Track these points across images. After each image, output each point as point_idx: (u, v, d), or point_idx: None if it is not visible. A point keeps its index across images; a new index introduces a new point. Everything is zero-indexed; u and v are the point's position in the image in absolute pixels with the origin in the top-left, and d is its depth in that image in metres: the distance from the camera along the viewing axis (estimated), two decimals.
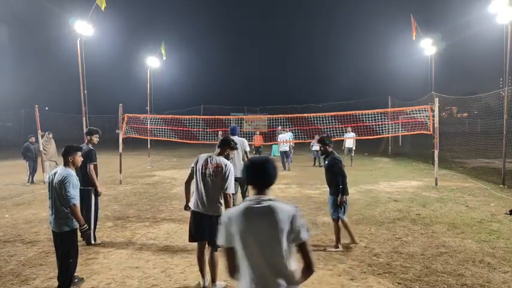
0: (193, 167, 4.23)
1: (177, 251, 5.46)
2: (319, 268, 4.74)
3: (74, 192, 3.94)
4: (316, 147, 16.87)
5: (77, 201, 3.94)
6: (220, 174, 4.06)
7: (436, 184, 10.68)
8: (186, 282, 4.37)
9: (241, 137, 7.51)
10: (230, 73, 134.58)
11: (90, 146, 5.97)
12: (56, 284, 4.05)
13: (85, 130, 6.30)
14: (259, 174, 2.19)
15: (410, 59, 24.81)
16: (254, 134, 18.51)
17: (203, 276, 4.25)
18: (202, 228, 4.09)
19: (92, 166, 5.73)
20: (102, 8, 13.63)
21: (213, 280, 4.16)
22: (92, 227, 5.75)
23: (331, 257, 5.14)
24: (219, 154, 4.24)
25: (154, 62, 19.38)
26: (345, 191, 5.38)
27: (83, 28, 13.29)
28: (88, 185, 5.70)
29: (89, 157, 5.68)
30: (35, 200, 9.33)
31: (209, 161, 4.15)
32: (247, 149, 7.10)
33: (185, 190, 4.36)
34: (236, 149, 4.49)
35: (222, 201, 4.12)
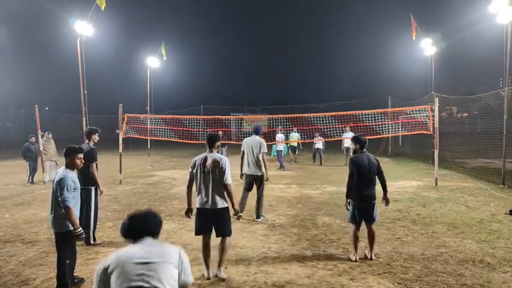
0: (191, 172, 4.52)
1: None
2: (319, 268, 4.75)
3: (69, 194, 3.92)
4: (318, 145, 16.91)
5: (71, 203, 3.90)
6: (218, 168, 4.42)
7: (436, 184, 10.68)
8: None
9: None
10: (230, 73, 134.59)
11: (91, 145, 6.03)
12: (56, 283, 4.06)
13: (85, 130, 6.34)
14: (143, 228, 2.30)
15: (411, 59, 24.80)
16: None
17: (208, 267, 4.48)
18: (209, 223, 4.45)
19: (94, 165, 5.77)
20: (102, 8, 13.62)
21: (220, 265, 4.42)
22: (92, 227, 5.76)
23: (331, 257, 5.14)
24: (212, 151, 4.58)
25: (154, 62, 19.36)
26: (347, 194, 5.11)
27: (83, 28, 13.28)
28: (88, 185, 5.71)
29: (92, 156, 5.74)
30: (35, 200, 9.33)
31: (206, 159, 4.48)
32: (265, 150, 7.32)
33: (187, 194, 4.60)
34: (219, 140, 4.80)
35: (225, 193, 4.46)
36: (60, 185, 3.91)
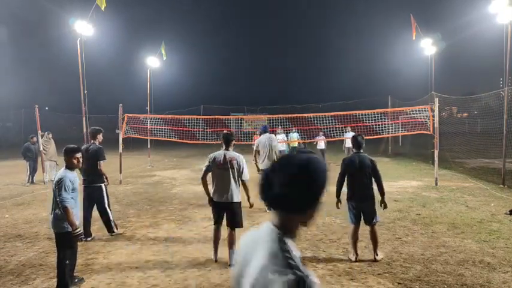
0: (209, 165, 4.90)
1: (177, 251, 5.45)
2: (319, 268, 4.75)
3: (67, 195, 3.92)
4: (320, 145, 16.88)
5: (68, 204, 3.91)
6: (236, 165, 4.89)
7: (436, 184, 10.68)
8: (187, 283, 4.36)
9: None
10: (230, 73, 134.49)
11: (98, 144, 6.35)
12: (56, 283, 4.06)
13: (90, 130, 6.64)
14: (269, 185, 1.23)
15: (411, 59, 24.81)
16: (254, 134, 18.55)
17: (216, 251, 4.98)
18: (222, 214, 4.96)
19: (102, 163, 6.17)
20: (102, 8, 13.62)
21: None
22: (111, 217, 6.20)
23: (331, 257, 5.14)
24: (228, 149, 4.96)
25: (154, 62, 19.36)
26: (336, 193, 5.07)
27: (83, 28, 13.29)
28: (97, 182, 6.10)
29: (101, 155, 6.18)
30: (35, 200, 9.33)
31: (225, 157, 4.88)
32: (277, 148, 7.95)
33: (204, 186, 4.97)
34: (234, 138, 5.18)
35: (240, 188, 4.94)
36: (58, 186, 3.92)
